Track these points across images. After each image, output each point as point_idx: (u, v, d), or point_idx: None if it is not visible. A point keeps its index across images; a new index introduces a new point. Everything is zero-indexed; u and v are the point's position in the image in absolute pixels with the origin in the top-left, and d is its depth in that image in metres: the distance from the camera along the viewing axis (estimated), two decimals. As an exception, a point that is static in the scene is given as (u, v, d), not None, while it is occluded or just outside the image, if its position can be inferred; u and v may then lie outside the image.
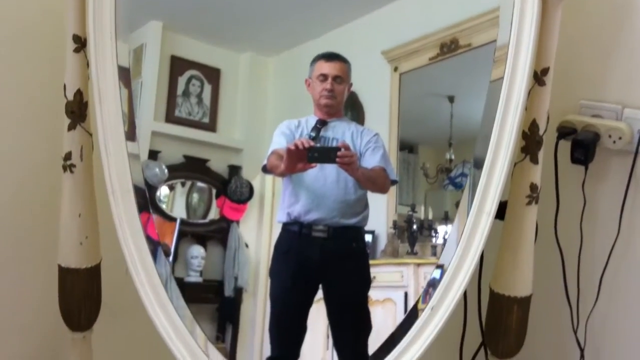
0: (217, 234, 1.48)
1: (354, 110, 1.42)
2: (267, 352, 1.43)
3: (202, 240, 1.49)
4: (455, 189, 1.37)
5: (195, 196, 1.50)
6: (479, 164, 1.28)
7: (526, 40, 1.24)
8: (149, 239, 1.41)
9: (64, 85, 1.40)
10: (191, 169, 1.50)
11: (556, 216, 1.53)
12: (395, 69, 1.42)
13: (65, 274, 1.47)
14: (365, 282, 1.40)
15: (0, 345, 1.69)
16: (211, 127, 1.51)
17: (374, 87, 1.45)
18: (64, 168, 1.41)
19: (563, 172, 1.52)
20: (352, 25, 1.44)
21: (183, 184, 1.51)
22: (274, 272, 1.43)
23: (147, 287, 1.38)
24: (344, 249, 1.41)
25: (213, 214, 1.51)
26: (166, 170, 1.47)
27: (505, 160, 1.27)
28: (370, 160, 1.38)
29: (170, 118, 1.49)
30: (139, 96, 1.43)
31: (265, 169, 1.40)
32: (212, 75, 1.51)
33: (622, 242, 1.54)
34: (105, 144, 1.36)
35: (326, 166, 1.36)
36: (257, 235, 1.46)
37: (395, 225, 1.41)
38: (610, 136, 1.50)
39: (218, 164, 1.49)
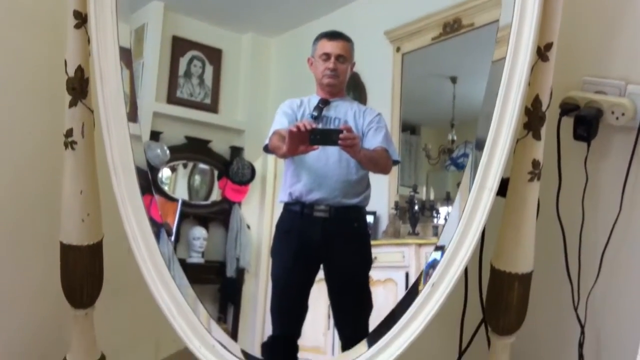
0: (219, 216, 1.48)
1: (356, 91, 1.42)
2: (269, 332, 1.44)
3: (204, 221, 1.49)
4: (457, 170, 1.37)
5: (197, 178, 1.50)
6: (480, 146, 1.28)
7: (529, 16, 1.23)
8: (152, 221, 1.41)
9: (65, 62, 1.38)
10: (193, 150, 1.49)
11: (558, 193, 1.53)
12: (398, 50, 1.41)
13: (67, 250, 1.47)
14: (367, 261, 1.40)
15: (3, 323, 1.70)
16: (213, 108, 1.50)
17: (376, 67, 1.44)
18: (65, 145, 1.41)
19: (565, 149, 1.51)
20: (354, 5, 1.43)
21: (185, 166, 1.50)
22: (275, 251, 1.43)
23: (149, 264, 1.38)
24: (345, 229, 1.41)
25: (215, 196, 1.51)
26: (168, 151, 1.46)
27: (507, 136, 1.26)
28: (373, 141, 1.38)
29: (172, 99, 1.48)
30: (140, 77, 1.43)
31: (267, 149, 1.40)
32: (214, 56, 1.50)
33: (624, 219, 1.54)
34: (107, 120, 1.36)
35: (328, 147, 1.36)
36: (259, 217, 1.46)
37: (396, 206, 1.40)
38: (613, 112, 1.49)
39: (220, 145, 1.49)
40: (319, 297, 1.41)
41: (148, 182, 1.41)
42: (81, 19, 1.36)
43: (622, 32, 1.50)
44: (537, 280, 1.43)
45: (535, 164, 1.33)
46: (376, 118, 1.39)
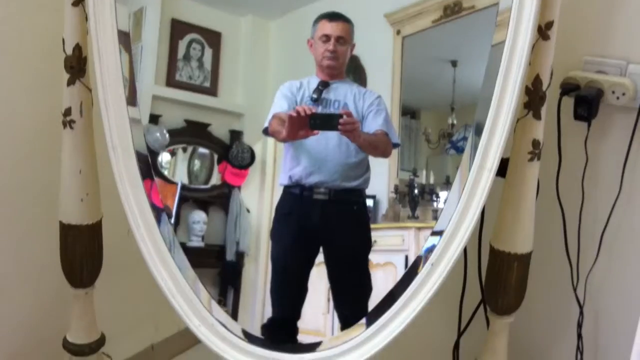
0: (219, 200, 1.48)
1: (356, 74, 1.41)
2: (269, 315, 1.44)
3: (203, 205, 1.49)
4: (457, 153, 1.36)
5: (196, 162, 1.50)
6: (479, 130, 1.27)
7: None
8: (152, 205, 1.41)
9: (63, 40, 1.38)
10: (192, 133, 1.49)
11: (558, 173, 1.53)
12: (398, 32, 1.40)
13: (66, 230, 1.47)
14: (366, 244, 1.40)
15: (3, 302, 1.70)
16: (212, 91, 1.50)
17: (377, 51, 1.43)
18: (64, 124, 1.41)
19: (565, 129, 1.51)
20: (354, -13, 1.42)
21: (184, 150, 1.50)
22: (275, 234, 1.43)
23: (149, 243, 1.39)
24: (345, 211, 1.41)
25: (215, 180, 1.50)
26: (167, 135, 1.46)
27: (507, 115, 1.26)
28: (373, 124, 1.37)
29: (171, 82, 1.48)
30: (139, 60, 1.42)
31: (267, 132, 1.40)
32: (213, 39, 1.49)
33: (624, 200, 1.54)
34: (105, 99, 1.36)
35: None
36: (259, 201, 1.46)
37: (396, 189, 1.40)
38: (613, 92, 1.49)
39: (219, 129, 1.48)
40: (318, 280, 1.42)
41: (148, 166, 1.41)
42: (78, -4, 1.35)
43: (623, 12, 1.49)
44: (536, 260, 1.43)
45: (536, 143, 1.33)
46: (376, 101, 1.39)
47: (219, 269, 1.47)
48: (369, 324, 1.37)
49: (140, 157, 1.40)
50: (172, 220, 1.44)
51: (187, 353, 2.07)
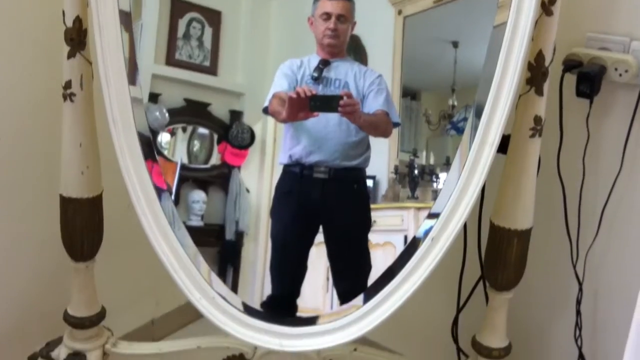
0: (218, 179, 1.48)
1: (356, 54, 1.40)
2: (268, 293, 1.44)
3: (203, 185, 1.49)
4: (457, 134, 1.36)
5: (196, 143, 1.50)
6: (479, 112, 1.27)
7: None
8: (154, 186, 1.41)
9: (63, 12, 1.37)
10: (192, 113, 1.48)
11: (559, 150, 1.53)
12: (400, 12, 1.39)
13: (66, 203, 1.47)
14: (366, 222, 1.41)
15: (4, 276, 1.71)
16: (212, 70, 1.49)
17: (378, 30, 1.42)
18: (64, 97, 1.40)
19: (567, 106, 1.51)
20: (355, -35, 1.41)
21: (184, 130, 1.50)
22: (274, 212, 1.43)
23: (149, 216, 1.39)
24: (345, 190, 1.41)
25: (214, 160, 1.50)
26: (167, 114, 1.45)
27: (510, 91, 1.25)
28: (373, 104, 1.37)
29: (171, 61, 1.47)
30: (139, 38, 1.41)
31: (267, 111, 1.39)
32: (213, 17, 1.48)
33: (625, 177, 1.54)
34: (105, 71, 1.35)
35: (328, 111, 1.36)
36: (258, 181, 1.46)
37: (396, 170, 1.40)
38: (616, 69, 1.48)
39: (219, 108, 1.48)
40: (318, 259, 1.42)
41: (150, 147, 1.40)
42: (78, -32, 1.34)
43: (627, -13, 1.48)
44: (536, 236, 1.44)
45: (537, 120, 1.33)
46: (377, 80, 1.38)
47: (219, 248, 1.47)
48: (368, 299, 1.37)
49: (142, 138, 1.39)
50: (173, 197, 1.44)
51: (187, 328, 2.08)
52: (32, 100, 1.65)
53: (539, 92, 1.31)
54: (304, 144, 1.39)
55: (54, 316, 1.58)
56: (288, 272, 1.46)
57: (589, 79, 1.48)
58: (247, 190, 1.46)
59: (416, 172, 1.40)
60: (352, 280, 1.43)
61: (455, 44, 1.38)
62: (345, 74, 1.38)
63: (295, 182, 1.41)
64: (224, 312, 1.40)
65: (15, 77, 1.63)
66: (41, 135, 1.66)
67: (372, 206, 1.41)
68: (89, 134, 1.43)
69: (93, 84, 1.42)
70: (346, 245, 1.44)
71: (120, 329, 1.68)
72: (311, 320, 1.41)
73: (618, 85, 1.50)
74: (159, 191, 1.40)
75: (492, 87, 1.26)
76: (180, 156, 1.49)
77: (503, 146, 1.34)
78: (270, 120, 1.42)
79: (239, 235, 1.47)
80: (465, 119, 1.34)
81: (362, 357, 1.51)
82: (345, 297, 1.41)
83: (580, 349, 1.64)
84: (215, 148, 1.49)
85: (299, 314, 1.43)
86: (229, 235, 1.47)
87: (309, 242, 1.42)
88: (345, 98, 1.33)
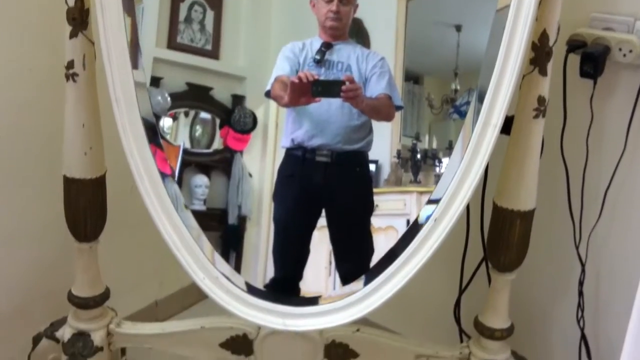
0: (221, 164, 1.47)
1: (359, 37, 1.39)
2: (271, 277, 1.45)
3: (205, 169, 1.48)
4: (460, 118, 1.35)
5: (198, 128, 1.49)
6: (482, 97, 1.27)
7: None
8: (159, 172, 1.41)
9: (65, -9, 1.37)
10: (194, 97, 1.48)
11: (562, 131, 1.53)
12: (403, -5, 1.39)
13: (70, 184, 1.47)
14: (368, 205, 1.41)
15: (9, 257, 1.71)
16: (214, 54, 1.48)
17: (380, 13, 1.41)
18: (67, 77, 1.40)
19: (571, 87, 1.50)
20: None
21: (186, 114, 1.49)
22: (277, 195, 1.43)
23: (153, 195, 1.39)
24: (347, 173, 1.41)
25: (217, 144, 1.50)
26: (169, 99, 1.45)
27: (513, 70, 1.25)
28: (376, 87, 1.36)
29: (172, 44, 1.46)
30: (140, 22, 1.40)
31: (269, 95, 1.39)
32: (214, 1, 1.47)
33: (628, 159, 1.54)
34: (108, 50, 1.34)
35: (330, 95, 1.35)
36: (261, 165, 1.45)
37: (399, 154, 1.40)
38: (620, 49, 1.48)
39: (221, 93, 1.47)
40: (320, 243, 1.42)
41: (154, 132, 1.40)
42: (79, -54, 1.33)
43: (632, -34, 1.47)
44: (539, 218, 1.43)
45: (541, 100, 1.32)
46: (379, 62, 1.37)
47: (221, 233, 1.47)
48: (369, 280, 1.38)
49: (146, 124, 1.39)
50: (176, 179, 1.44)
51: (191, 310, 2.09)
52: (35, 80, 1.65)
53: (543, 72, 1.30)
54: (306, 127, 1.38)
55: (58, 297, 1.59)
56: (291, 255, 1.46)
57: (592, 59, 1.47)
58: (250, 175, 1.46)
59: (419, 156, 1.40)
60: (354, 262, 1.43)
61: (458, 28, 1.37)
62: (347, 57, 1.38)
63: (298, 165, 1.41)
64: (228, 291, 1.41)
65: (18, 56, 1.62)
66: (44, 115, 1.66)
67: (374, 190, 1.41)
68: (91, 115, 1.43)
69: (96, 65, 1.42)
70: (348, 229, 1.44)
71: (123, 311, 1.69)
72: (313, 300, 1.41)
73: (622, 65, 1.49)
74: (163, 176, 1.40)
75: (496, 67, 1.26)
76: (183, 141, 1.49)
77: (506, 127, 1.34)
78: (273, 104, 1.41)
79: (242, 219, 1.47)
80: (468, 103, 1.33)
81: (365, 337, 1.51)
82: (347, 279, 1.41)
83: (582, 330, 1.64)
84: (218, 132, 1.49)
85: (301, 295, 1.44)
86: (232, 219, 1.47)
87: (312, 225, 1.42)
88: (347, 83, 1.33)
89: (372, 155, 1.39)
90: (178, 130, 1.49)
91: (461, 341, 1.68)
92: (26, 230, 1.73)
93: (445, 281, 1.72)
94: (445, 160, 1.37)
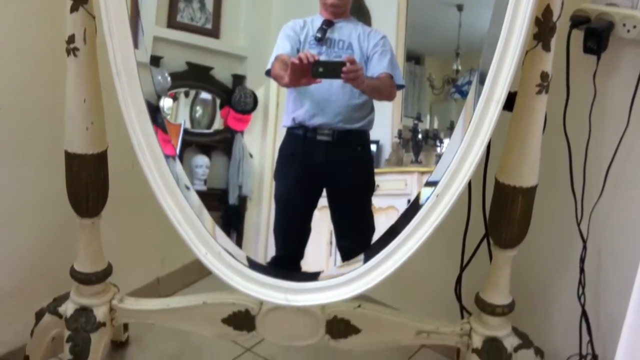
0: (222, 144, 1.47)
1: (360, 16, 1.39)
2: (272, 255, 1.46)
3: (206, 150, 1.48)
4: (462, 98, 1.35)
5: (198, 109, 1.49)
6: (483, 78, 1.26)
7: None
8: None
9: (65, -35, 1.36)
10: (195, 77, 1.47)
11: (565, 107, 1.52)
12: (404, -27, 1.38)
13: (71, 159, 1.47)
14: (369, 185, 1.41)
15: (11, 232, 1.72)
16: (214, 33, 1.47)
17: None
18: (68, 52, 1.39)
19: (574, 63, 1.49)
20: None
21: (187, 94, 1.49)
22: (278, 174, 1.44)
23: (155, 171, 1.38)
24: (348, 152, 1.41)
25: (217, 124, 1.50)
26: (169, 78, 1.44)
27: (517, 45, 1.24)
28: (378, 66, 1.36)
29: (172, 23, 1.46)
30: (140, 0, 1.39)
31: (269, 74, 1.38)
32: (215, -21, 1.47)
33: (631, 135, 1.53)
34: (109, 23, 1.33)
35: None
36: (261, 146, 1.45)
37: (400, 134, 1.40)
38: (624, 25, 1.46)
39: (222, 73, 1.46)
40: (321, 223, 1.43)
41: (155, 113, 1.40)
42: None
43: (637, -61, 1.46)
44: (540, 194, 1.44)
45: (544, 76, 1.32)
46: (381, 41, 1.37)
47: (222, 213, 1.47)
48: (371, 256, 1.38)
49: (150, 107, 1.38)
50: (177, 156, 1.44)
51: (192, 287, 2.10)
52: (36, 55, 1.64)
53: (546, 47, 1.30)
54: (307, 106, 1.38)
55: (61, 271, 1.59)
56: (292, 234, 1.47)
57: (596, 35, 1.46)
58: (250, 155, 1.46)
59: (420, 136, 1.40)
60: (355, 240, 1.43)
61: (459, 7, 1.37)
62: (349, 35, 1.37)
63: (299, 144, 1.41)
64: (230, 266, 1.41)
65: (18, 32, 1.61)
66: (46, 90, 1.65)
67: (375, 170, 1.41)
68: (93, 90, 1.42)
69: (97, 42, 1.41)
70: (349, 207, 1.44)
71: (125, 288, 1.69)
72: (314, 276, 1.42)
73: (626, 41, 1.48)
74: (166, 157, 1.40)
75: (499, 41, 1.25)
76: (184, 119, 1.49)
77: (509, 104, 1.33)
78: (273, 84, 1.41)
79: (242, 199, 1.47)
80: (469, 82, 1.33)
81: (366, 313, 1.52)
82: (348, 256, 1.42)
83: (583, 306, 1.64)
84: (218, 113, 1.49)
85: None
86: (232, 199, 1.47)
87: (313, 204, 1.43)
88: (348, 64, 1.32)
89: (373, 135, 1.39)
90: (178, 111, 1.49)
91: (462, 318, 1.69)
92: (28, 207, 1.73)
93: (446, 258, 1.72)
94: (446, 141, 1.37)
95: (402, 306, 1.75)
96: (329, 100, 1.37)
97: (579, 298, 1.64)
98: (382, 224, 1.39)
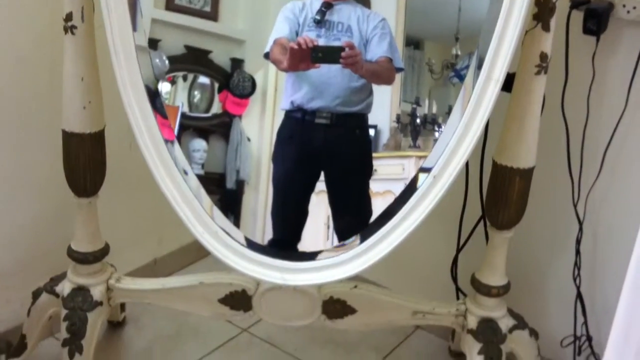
0: (219, 128, 1.47)
1: (359, 1, 1.38)
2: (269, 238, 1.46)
3: (204, 133, 1.48)
4: (461, 82, 1.34)
5: (196, 93, 1.49)
6: (481, 63, 1.26)
7: None
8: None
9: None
10: (193, 60, 1.47)
11: (564, 88, 1.51)
12: (404, -44, 1.37)
13: (69, 138, 1.46)
14: (367, 168, 1.41)
15: (8, 211, 1.71)
16: (213, 16, 1.46)
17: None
18: (65, 30, 1.38)
19: (574, 44, 1.49)
20: None
21: (185, 78, 1.48)
22: (276, 157, 1.43)
23: (152, 149, 1.38)
24: (346, 136, 1.41)
25: (215, 108, 1.49)
26: (167, 61, 1.44)
27: (517, 24, 1.24)
28: (377, 50, 1.35)
29: (170, 6, 1.45)
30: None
31: (268, 57, 1.38)
32: (213, -40, 1.45)
33: (628, 117, 1.53)
34: (107, 0, 1.32)
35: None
36: (259, 130, 1.45)
37: (398, 119, 1.40)
38: (624, 6, 1.46)
39: (220, 56, 1.46)
40: (318, 207, 1.43)
41: (154, 98, 1.39)
42: None
43: None
44: (538, 176, 1.44)
45: (543, 56, 1.32)
46: (380, 24, 1.36)
47: (219, 197, 1.47)
48: (367, 236, 1.38)
49: (148, 91, 1.37)
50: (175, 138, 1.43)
51: (189, 268, 2.10)
52: (33, 33, 1.63)
53: (546, 27, 1.29)
54: (305, 90, 1.38)
55: (59, 251, 1.59)
56: (289, 216, 1.47)
57: (596, 15, 1.45)
58: (248, 139, 1.45)
59: (418, 121, 1.40)
60: (352, 224, 1.43)
61: (460, -10, 1.36)
62: (348, 17, 1.36)
63: (297, 127, 1.40)
64: (227, 246, 1.41)
65: (16, 9, 1.60)
66: (44, 68, 1.64)
67: (373, 155, 1.41)
68: (90, 68, 1.42)
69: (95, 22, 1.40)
70: (347, 191, 1.44)
71: (122, 268, 1.69)
72: (311, 256, 1.42)
73: (625, 22, 1.48)
74: (165, 141, 1.40)
75: (499, 20, 1.25)
76: (182, 102, 1.48)
77: (508, 85, 1.33)
78: (272, 68, 1.40)
79: (240, 183, 1.47)
80: (468, 67, 1.33)
81: (363, 294, 1.52)
82: (345, 237, 1.41)
83: (578, 288, 1.65)
84: (216, 97, 1.48)
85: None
86: (230, 184, 1.47)
87: (311, 187, 1.43)
88: (347, 49, 1.32)
89: (371, 120, 1.39)
90: (176, 95, 1.48)
91: (457, 299, 1.69)
92: (26, 186, 1.72)
93: (443, 239, 1.73)
94: (444, 127, 1.37)
95: (398, 287, 1.75)
96: (327, 83, 1.37)
97: (575, 279, 1.65)
98: (379, 208, 1.39)
